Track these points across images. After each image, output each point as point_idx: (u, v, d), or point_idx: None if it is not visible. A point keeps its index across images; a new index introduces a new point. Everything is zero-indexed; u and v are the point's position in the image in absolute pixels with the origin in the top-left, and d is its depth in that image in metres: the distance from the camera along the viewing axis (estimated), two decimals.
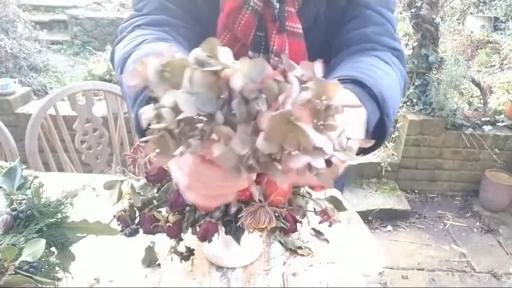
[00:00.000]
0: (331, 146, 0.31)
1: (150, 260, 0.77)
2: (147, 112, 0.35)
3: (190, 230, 0.65)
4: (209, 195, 0.44)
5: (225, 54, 0.33)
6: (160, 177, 0.63)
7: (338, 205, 0.67)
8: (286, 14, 0.73)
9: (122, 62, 0.65)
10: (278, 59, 0.74)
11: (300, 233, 0.86)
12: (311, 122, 0.30)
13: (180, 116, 0.30)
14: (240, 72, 0.31)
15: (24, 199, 0.60)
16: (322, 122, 0.32)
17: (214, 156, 0.32)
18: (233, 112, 0.31)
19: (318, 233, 0.87)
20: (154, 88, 0.32)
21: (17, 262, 0.51)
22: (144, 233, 0.66)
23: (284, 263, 0.79)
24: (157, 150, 0.34)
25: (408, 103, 2.87)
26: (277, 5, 0.72)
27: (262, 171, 0.32)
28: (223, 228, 0.66)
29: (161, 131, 0.32)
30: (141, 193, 0.65)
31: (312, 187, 0.59)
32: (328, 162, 0.32)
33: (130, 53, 0.64)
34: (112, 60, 0.75)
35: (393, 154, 2.90)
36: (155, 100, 0.35)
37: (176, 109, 0.31)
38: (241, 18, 0.72)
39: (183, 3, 0.75)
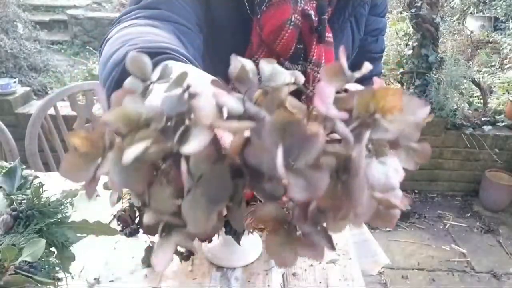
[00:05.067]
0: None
1: (150, 260, 0.76)
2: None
3: None
4: None
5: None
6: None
7: None
8: (326, 26, 0.74)
9: (102, 67, 0.54)
10: (317, 68, 0.77)
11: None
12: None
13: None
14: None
15: (24, 199, 0.60)
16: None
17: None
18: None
19: None
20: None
21: (17, 262, 0.51)
22: (144, 233, 0.66)
23: None
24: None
25: None
26: (315, 17, 0.73)
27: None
28: (223, 228, 0.66)
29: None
30: None
31: None
32: None
33: (111, 54, 0.52)
34: (100, 53, 0.61)
35: None
36: None
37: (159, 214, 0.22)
38: (283, 34, 0.72)
39: (195, 8, 0.70)
